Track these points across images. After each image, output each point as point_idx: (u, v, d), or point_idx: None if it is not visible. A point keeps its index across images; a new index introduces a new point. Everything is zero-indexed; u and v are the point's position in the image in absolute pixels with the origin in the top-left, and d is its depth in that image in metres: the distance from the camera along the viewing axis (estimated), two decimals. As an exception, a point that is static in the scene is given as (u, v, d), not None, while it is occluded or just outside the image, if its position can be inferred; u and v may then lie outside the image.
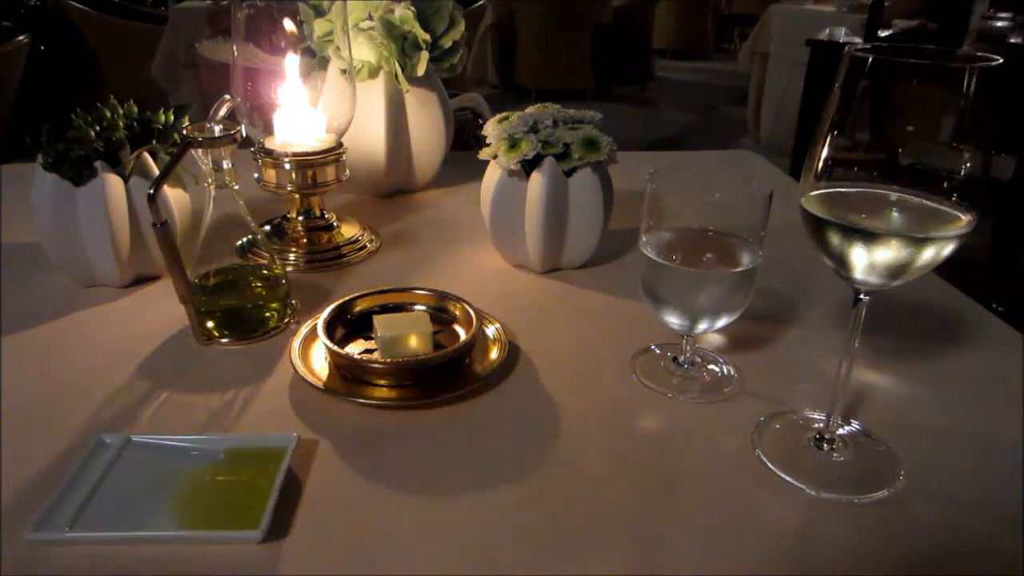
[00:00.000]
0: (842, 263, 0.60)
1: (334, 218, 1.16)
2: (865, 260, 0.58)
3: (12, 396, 0.77)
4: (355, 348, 0.83)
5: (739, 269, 0.72)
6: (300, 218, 1.12)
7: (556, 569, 0.58)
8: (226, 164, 0.83)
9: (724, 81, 8.07)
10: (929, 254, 0.57)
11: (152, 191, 0.79)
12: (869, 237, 0.57)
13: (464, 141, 1.70)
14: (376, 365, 0.77)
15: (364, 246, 1.14)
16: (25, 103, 3.08)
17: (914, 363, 0.86)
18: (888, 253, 0.57)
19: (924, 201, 0.57)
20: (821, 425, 0.72)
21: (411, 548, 0.60)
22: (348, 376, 0.79)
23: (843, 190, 0.59)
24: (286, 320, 0.91)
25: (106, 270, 0.96)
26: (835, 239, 0.58)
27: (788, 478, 0.68)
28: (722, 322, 0.74)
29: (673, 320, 0.75)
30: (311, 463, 0.69)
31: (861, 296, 0.64)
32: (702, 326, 0.75)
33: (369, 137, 1.23)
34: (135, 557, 0.58)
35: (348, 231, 1.16)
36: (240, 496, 0.63)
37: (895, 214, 0.58)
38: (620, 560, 0.59)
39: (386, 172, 1.29)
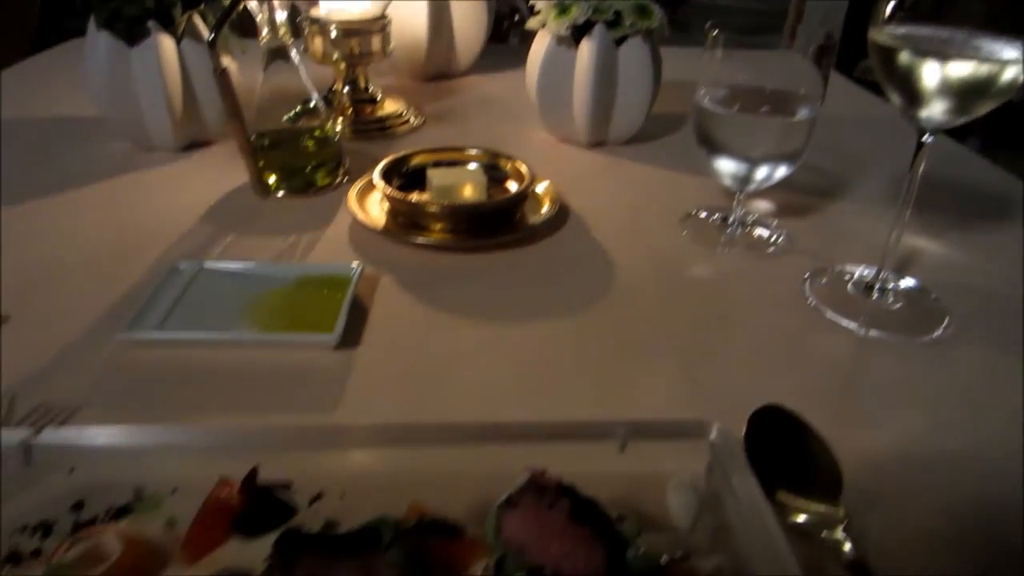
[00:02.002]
0: (911, 94, 0.60)
1: (379, 92, 1.16)
2: (935, 85, 0.58)
3: (82, 239, 0.80)
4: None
5: (797, 118, 0.73)
6: (346, 90, 1.13)
7: (610, 387, 0.60)
8: (280, 15, 0.84)
9: (761, 6, 7.84)
10: (996, 79, 0.57)
11: (212, 37, 0.80)
12: (940, 59, 0.57)
13: (500, 34, 1.69)
14: (432, 209, 0.79)
15: (408, 120, 1.15)
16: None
17: (964, 233, 0.87)
18: (958, 75, 0.57)
19: (993, 40, 0.57)
20: (870, 276, 0.73)
21: (472, 365, 0.62)
22: (404, 222, 0.81)
23: (912, 30, 0.59)
24: (338, 179, 0.93)
25: (161, 132, 0.97)
26: (906, 65, 0.59)
27: (837, 318, 0.69)
28: (779, 173, 0.75)
29: (728, 172, 0.76)
30: (374, 293, 0.71)
31: (925, 139, 0.64)
32: (758, 176, 0.76)
33: (412, 16, 1.23)
34: (216, 360, 0.61)
35: (392, 106, 1.17)
36: (313, 311, 0.65)
37: (965, 45, 0.58)
38: (670, 381, 0.61)
39: (428, 54, 1.29)
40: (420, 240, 0.78)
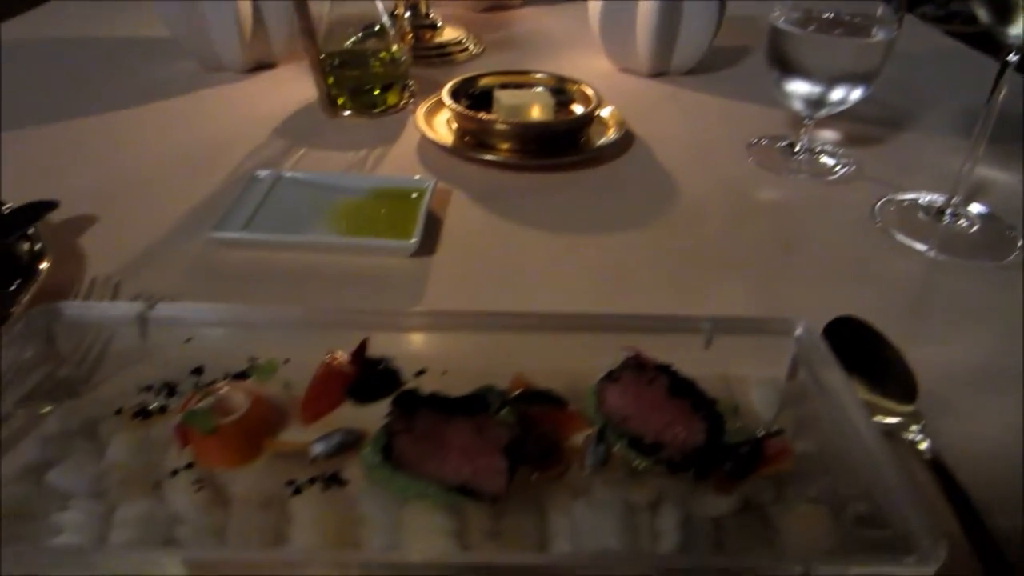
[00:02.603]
0: (999, 8, 0.59)
1: (439, 19, 1.16)
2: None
3: (159, 149, 0.82)
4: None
5: (873, 39, 0.72)
6: (407, 15, 1.13)
7: (683, 299, 0.61)
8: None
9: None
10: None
11: (288, -48, 0.81)
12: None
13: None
14: (502, 127, 0.80)
15: (467, 48, 1.15)
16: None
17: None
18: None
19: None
20: (941, 202, 0.73)
21: (547, 275, 0.64)
22: (471, 141, 0.82)
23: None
24: (403, 100, 0.93)
25: (230, 52, 0.99)
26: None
27: (907, 240, 0.69)
28: (853, 95, 0.75)
29: (801, 95, 0.76)
30: (447, 207, 0.72)
31: (1010, 57, 0.63)
32: (833, 98, 0.75)
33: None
34: (298, 262, 0.63)
35: (452, 33, 1.17)
36: (389, 220, 0.67)
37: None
38: (742, 295, 0.62)
39: (487, -18, 1.28)
40: (488, 157, 0.79)
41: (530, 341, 0.44)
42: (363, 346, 0.40)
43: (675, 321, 0.45)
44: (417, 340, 0.44)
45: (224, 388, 0.38)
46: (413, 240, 0.63)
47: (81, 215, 0.67)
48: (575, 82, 0.88)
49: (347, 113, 0.91)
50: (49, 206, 0.62)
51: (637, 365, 0.39)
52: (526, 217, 0.71)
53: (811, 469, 0.39)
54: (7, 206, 0.62)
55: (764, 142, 0.87)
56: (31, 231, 0.59)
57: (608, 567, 0.33)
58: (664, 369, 0.39)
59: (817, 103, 0.75)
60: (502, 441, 0.35)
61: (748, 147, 0.86)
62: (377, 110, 0.91)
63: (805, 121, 0.80)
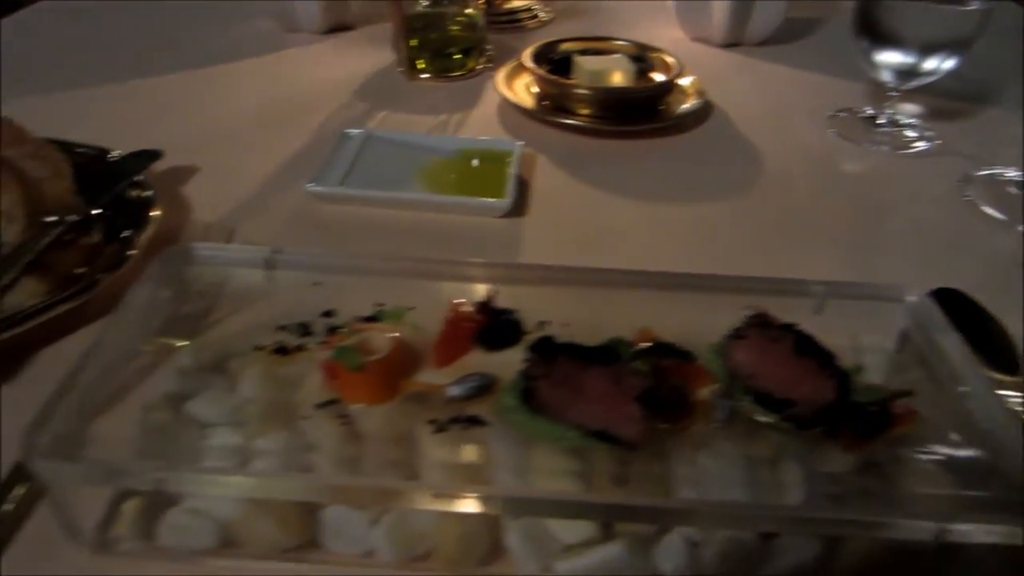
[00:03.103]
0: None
1: (511, -14, 1.16)
2: None
3: (245, 105, 0.84)
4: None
5: (970, 6, 0.71)
6: (480, -21, 1.13)
7: (773, 268, 0.61)
8: None
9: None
10: None
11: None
12: None
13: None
14: (583, 91, 0.80)
15: (536, 15, 1.15)
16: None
17: None
18: None
19: None
20: (1031, 177, 0.72)
21: (635, 240, 0.65)
22: (550, 106, 0.82)
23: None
24: (480, 64, 0.94)
25: (309, 13, 1.00)
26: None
27: (996, 214, 0.69)
28: (946, 65, 0.74)
29: (891, 64, 0.75)
30: (532, 170, 0.73)
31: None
32: (925, 67, 0.74)
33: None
34: (391, 218, 0.64)
35: (522, 1, 1.16)
36: (478, 180, 0.68)
37: None
38: (832, 267, 0.62)
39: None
40: (571, 122, 0.79)
41: (642, 298, 0.45)
42: (492, 296, 0.41)
43: (788, 284, 0.46)
44: (536, 294, 0.44)
45: (366, 329, 0.39)
46: (506, 200, 0.63)
47: (181, 165, 0.69)
48: (655, 50, 0.88)
49: (425, 76, 0.91)
50: (154, 155, 0.64)
51: (763, 323, 0.40)
52: (610, 183, 0.72)
53: (929, 432, 0.39)
54: (114, 153, 0.64)
55: (843, 114, 0.86)
56: (140, 178, 0.61)
57: (737, 517, 0.34)
58: (789, 328, 0.40)
59: (908, 73, 0.74)
60: (637, 390, 0.36)
61: (828, 118, 0.85)
62: (455, 73, 0.92)
63: (890, 92, 0.79)
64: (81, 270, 0.54)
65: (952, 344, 0.42)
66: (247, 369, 0.42)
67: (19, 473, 0.40)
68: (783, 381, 0.38)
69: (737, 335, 0.40)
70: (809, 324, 0.44)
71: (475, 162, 0.70)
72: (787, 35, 1.07)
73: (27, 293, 0.51)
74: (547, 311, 0.43)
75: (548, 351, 0.37)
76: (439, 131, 0.80)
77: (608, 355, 0.37)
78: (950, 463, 0.38)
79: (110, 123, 0.76)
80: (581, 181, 0.72)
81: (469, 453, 0.38)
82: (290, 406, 0.40)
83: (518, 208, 0.66)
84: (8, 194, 0.52)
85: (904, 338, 0.45)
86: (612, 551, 0.35)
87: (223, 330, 0.45)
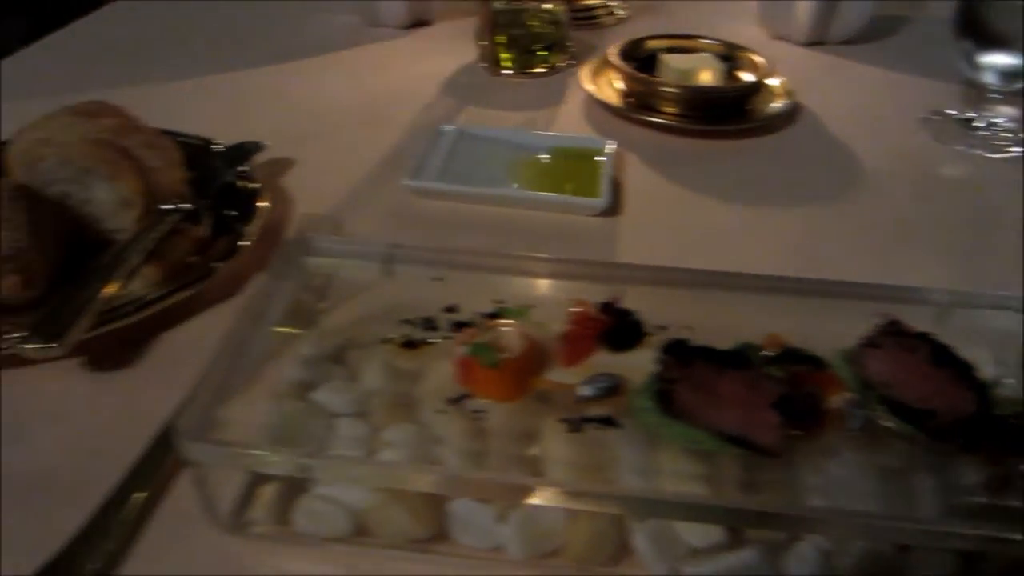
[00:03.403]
0: None
1: (587, -18, 1.15)
2: None
3: (333, 100, 0.85)
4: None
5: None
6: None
7: (872, 276, 0.60)
8: None
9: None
10: None
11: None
12: None
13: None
14: (672, 90, 0.79)
15: (613, 12, 1.14)
16: None
17: None
18: None
19: None
20: None
21: (730, 240, 0.64)
22: (635, 104, 0.82)
23: None
24: (563, 60, 0.94)
25: (392, 8, 1.00)
26: None
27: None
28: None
29: (997, 66, 0.73)
30: (623, 169, 0.73)
31: None
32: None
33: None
34: (486, 214, 0.65)
35: (597, -2, 1.16)
36: (571, 177, 0.68)
37: None
38: (941, 271, 0.60)
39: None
40: (660, 120, 0.78)
41: (762, 302, 0.45)
42: (617, 297, 0.42)
43: (908, 292, 0.45)
44: (652, 295, 0.44)
45: (498, 326, 0.40)
46: (601, 199, 0.63)
47: (278, 157, 0.70)
48: (742, 49, 0.87)
49: (507, 72, 0.91)
50: (256, 147, 0.65)
51: (896, 332, 0.39)
52: (702, 183, 0.71)
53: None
54: (218, 144, 0.65)
55: (937, 116, 0.84)
56: (244, 169, 0.62)
57: (875, 528, 0.34)
58: (924, 337, 0.39)
59: (1014, 75, 0.72)
60: (774, 396, 0.36)
61: (921, 120, 0.84)
62: (537, 70, 0.92)
63: (992, 95, 0.77)
64: (193, 259, 0.55)
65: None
66: (369, 361, 0.42)
67: (153, 454, 0.41)
68: (920, 391, 0.37)
69: (871, 343, 0.39)
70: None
71: (565, 161, 0.70)
72: (872, 34, 1.05)
73: (143, 280, 0.52)
74: (665, 314, 0.43)
75: (683, 354, 0.37)
76: (526, 127, 0.80)
77: (742, 360, 0.37)
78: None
79: (200, 114, 0.77)
80: (673, 180, 0.71)
81: (595, 453, 0.38)
82: (413, 399, 0.40)
83: (612, 207, 0.66)
84: (128, 182, 0.54)
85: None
86: (743, 557, 0.35)
87: (341, 321, 0.45)
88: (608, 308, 0.42)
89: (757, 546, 0.35)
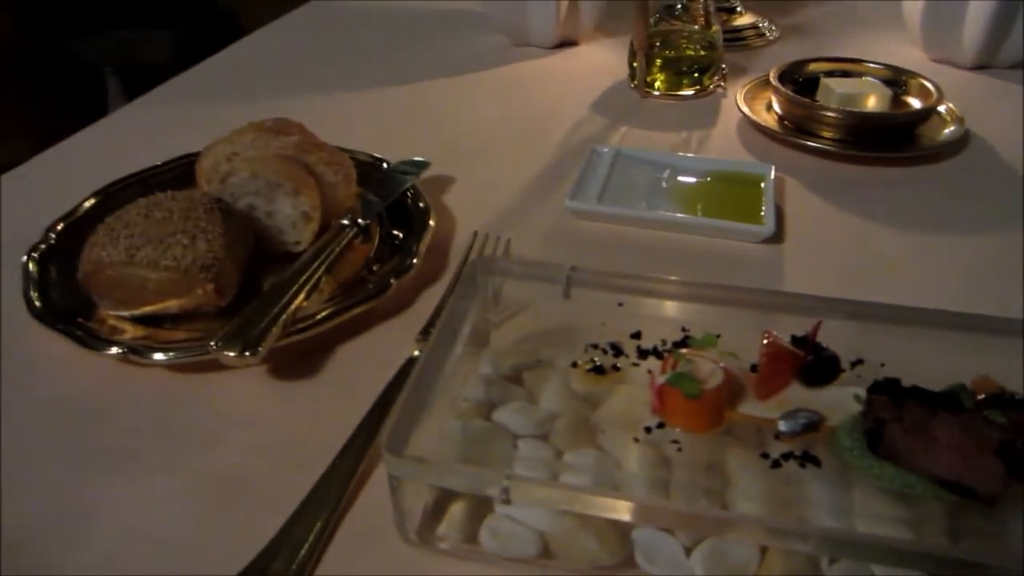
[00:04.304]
0: None
1: (738, 3, 1.14)
2: None
3: (486, 118, 0.86)
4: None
5: None
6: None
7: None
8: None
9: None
10: None
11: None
12: None
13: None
14: (834, 115, 0.77)
15: (763, 34, 1.12)
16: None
17: None
18: None
19: None
20: None
21: (904, 271, 0.61)
22: (790, 127, 0.80)
23: None
24: (714, 82, 0.92)
25: (542, 29, 1.01)
26: None
27: None
28: None
29: None
30: (783, 195, 0.71)
31: None
32: None
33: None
34: (646, 237, 0.64)
35: (748, 18, 1.14)
36: (732, 202, 0.67)
37: None
38: None
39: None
40: (822, 146, 0.76)
41: (958, 340, 0.42)
42: (816, 329, 0.40)
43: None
44: (838, 328, 0.43)
45: (696, 356, 0.39)
46: (766, 226, 0.62)
47: (438, 175, 0.71)
48: (909, 74, 0.84)
49: (656, 93, 0.91)
50: (423, 165, 0.67)
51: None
52: (868, 211, 0.69)
53: None
54: (385, 162, 0.67)
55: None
56: (412, 186, 0.63)
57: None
58: None
59: None
60: (995, 442, 0.34)
61: (1104, 150, 0.78)
62: (688, 91, 0.91)
63: None
64: (364, 273, 0.57)
65: None
66: (546, 383, 0.42)
67: (341, 465, 0.42)
68: None
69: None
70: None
71: (725, 185, 0.69)
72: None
73: (319, 294, 0.54)
74: (857, 349, 0.42)
75: (893, 393, 0.35)
76: (680, 149, 0.80)
77: (956, 402, 0.35)
78: None
79: (357, 131, 0.80)
80: (837, 208, 0.69)
81: (787, 490, 0.36)
82: (594, 423, 0.40)
83: (776, 234, 0.64)
84: (310, 197, 0.56)
85: None
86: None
87: (520, 341, 0.46)
88: (802, 341, 0.40)
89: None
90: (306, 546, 0.38)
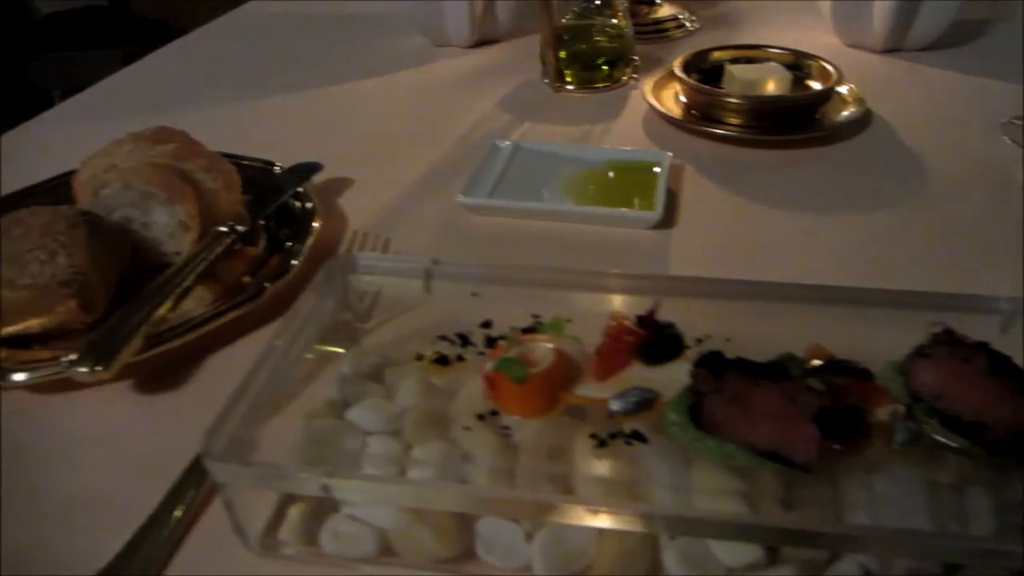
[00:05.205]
0: None
1: (655, -5, 1.14)
2: None
3: (394, 117, 0.87)
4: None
5: None
6: (626, -10, 1.12)
7: (945, 283, 0.56)
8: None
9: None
10: None
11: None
12: None
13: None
14: (736, 101, 0.78)
15: (683, 24, 1.13)
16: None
17: None
18: None
19: None
20: None
21: (789, 253, 0.62)
22: (698, 116, 0.80)
23: None
24: (627, 74, 0.93)
25: (458, 29, 1.02)
26: None
27: None
28: None
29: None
30: (680, 181, 0.71)
31: None
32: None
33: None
34: (540, 229, 0.64)
35: (668, 10, 1.15)
36: (627, 191, 0.67)
37: None
38: (1017, 281, 0.56)
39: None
40: (722, 132, 0.77)
41: (808, 313, 0.43)
42: (653, 309, 0.40)
43: (970, 300, 0.42)
44: (694, 307, 0.43)
45: (528, 341, 0.39)
46: (656, 212, 0.62)
47: (335, 177, 0.71)
48: (811, 57, 0.84)
49: (570, 87, 0.91)
50: (315, 167, 0.66)
51: (951, 341, 0.37)
52: (764, 194, 0.69)
53: None
54: (277, 166, 0.67)
55: (1018, 120, 0.79)
56: (301, 190, 0.63)
57: (924, 546, 0.31)
58: (982, 346, 0.36)
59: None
60: (812, 409, 0.34)
61: (1003, 126, 0.79)
62: (600, 84, 0.91)
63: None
64: (246, 279, 0.56)
65: None
66: (404, 378, 0.42)
67: (192, 475, 0.41)
68: (975, 403, 0.35)
69: (921, 353, 0.37)
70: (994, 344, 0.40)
71: (621, 174, 0.69)
72: (951, 39, 1.00)
73: (197, 300, 0.54)
74: (706, 325, 0.42)
75: (717, 366, 0.35)
76: (584, 142, 0.80)
77: (780, 372, 0.35)
78: None
79: (264, 136, 0.80)
80: (732, 192, 0.69)
81: (627, 469, 0.36)
82: (446, 416, 0.40)
83: (667, 220, 0.64)
84: (185, 205, 0.56)
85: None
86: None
87: (381, 338, 0.46)
88: (644, 321, 0.40)
89: (795, 565, 0.33)
90: (150, 560, 0.38)
